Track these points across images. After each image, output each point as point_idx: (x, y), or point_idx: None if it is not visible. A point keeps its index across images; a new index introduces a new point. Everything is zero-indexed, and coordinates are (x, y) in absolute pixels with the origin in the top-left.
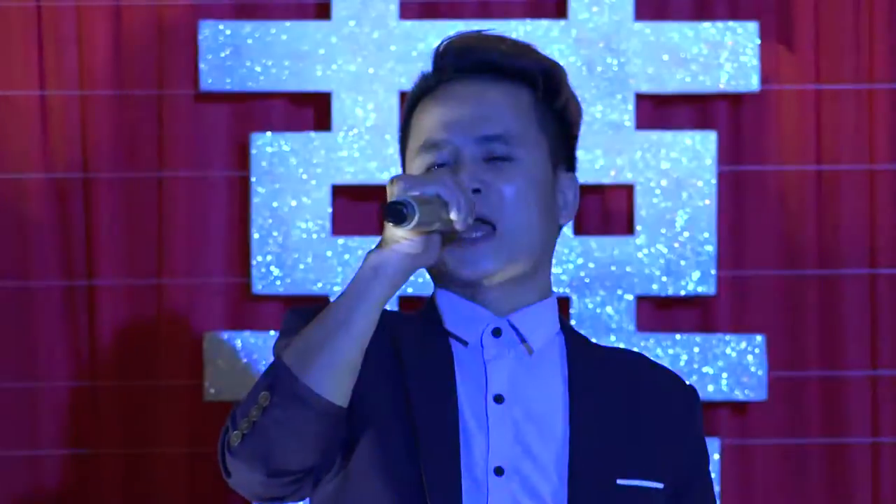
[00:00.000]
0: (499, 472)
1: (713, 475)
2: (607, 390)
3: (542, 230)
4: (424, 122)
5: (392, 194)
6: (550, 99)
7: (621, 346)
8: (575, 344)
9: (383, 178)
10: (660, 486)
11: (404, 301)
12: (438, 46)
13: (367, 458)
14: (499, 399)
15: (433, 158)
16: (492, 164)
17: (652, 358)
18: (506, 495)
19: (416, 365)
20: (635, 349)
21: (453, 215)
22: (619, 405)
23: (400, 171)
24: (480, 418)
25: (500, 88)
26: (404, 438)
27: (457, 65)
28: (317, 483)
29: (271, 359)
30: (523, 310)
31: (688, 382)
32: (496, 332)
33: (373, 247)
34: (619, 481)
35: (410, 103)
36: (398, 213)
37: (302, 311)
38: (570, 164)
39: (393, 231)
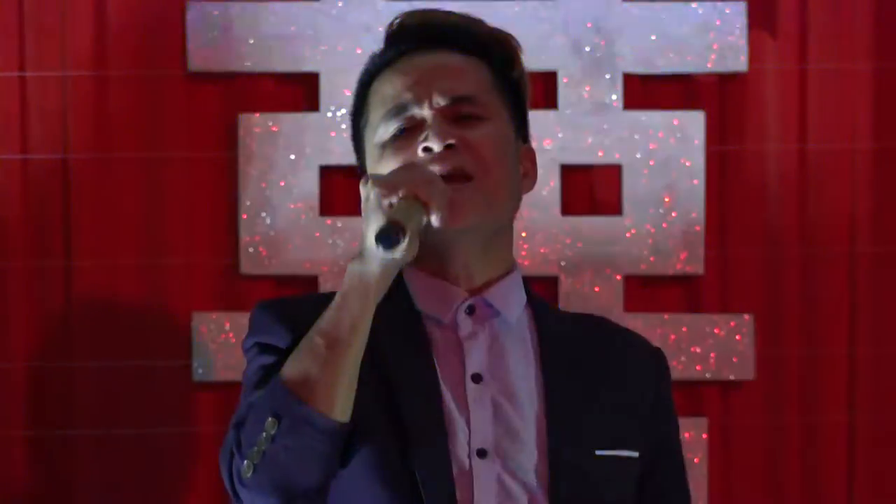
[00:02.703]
0: (481, 454)
1: (701, 455)
2: (579, 360)
3: (511, 191)
4: (387, 91)
5: (367, 199)
6: (506, 69)
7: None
8: (543, 314)
9: None
10: (635, 454)
11: None
12: (391, 23)
13: (356, 452)
14: (476, 378)
15: (402, 123)
16: (462, 122)
17: (617, 323)
18: (490, 477)
19: (394, 351)
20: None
21: (434, 219)
22: (592, 374)
23: (352, 145)
24: (460, 400)
25: (461, 58)
26: (391, 428)
27: (413, 38)
28: (325, 496)
29: (243, 357)
30: (495, 285)
31: (653, 345)
32: (470, 310)
33: (354, 258)
34: (597, 452)
35: (365, 80)
36: (390, 241)
37: (271, 306)
38: (525, 136)
39: (373, 240)
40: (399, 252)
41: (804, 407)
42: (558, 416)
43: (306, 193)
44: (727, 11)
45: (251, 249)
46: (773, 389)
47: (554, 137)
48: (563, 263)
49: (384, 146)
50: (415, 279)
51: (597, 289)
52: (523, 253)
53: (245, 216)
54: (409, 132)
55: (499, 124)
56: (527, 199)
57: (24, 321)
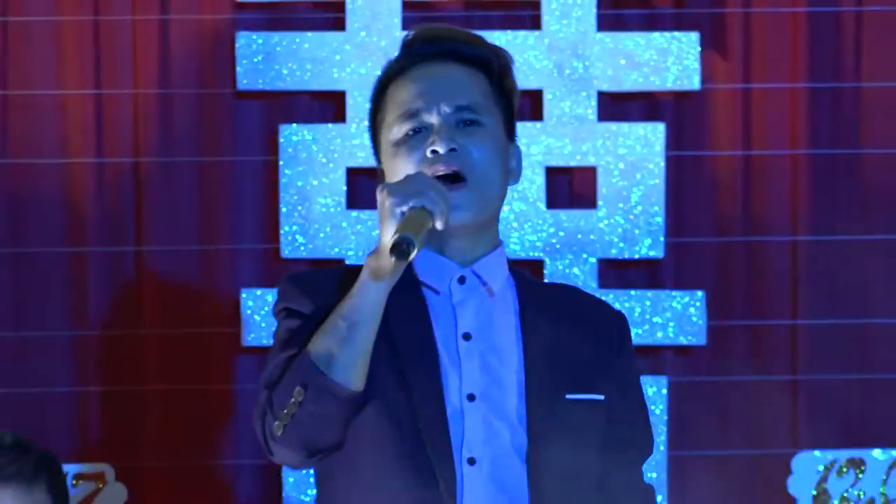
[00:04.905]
0: (471, 398)
1: (661, 406)
2: (552, 320)
3: (501, 187)
4: (401, 96)
5: (382, 205)
6: (501, 80)
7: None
8: (523, 284)
9: None
10: (601, 397)
11: None
12: (406, 36)
13: (368, 399)
14: (467, 337)
15: (413, 125)
16: (463, 128)
17: (586, 291)
18: (478, 417)
19: (397, 314)
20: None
21: (438, 224)
22: (563, 332)
23: (369, 135)
24: (452, 354)
25: (464, 70)
26: (395, 378)
27: (424, 51)
28: (341, 447)
29: (273, 320)
30: (483, 259)
31: (615, 308)
32: (461, 280)
33: (371, 253)
34: (567, 396)
35: (382, 84)
36: (403, 252)
37: (297, 278)
38: (513, 136)
39: (387, 239)
40: (411, 258)
41: (747, 368)
42: (534, 367)
43: (335, 190)
44: (683, 40)
45: (290, 237)
46: (721, 353)
47: (540, 144)
48: (547, 249)
49: (398, 144)
50: (417, 254)
51: (575, 269)
52: (514, 240)
53: (285, 209)
54: (419, 134)
55: (494, 129)
56: (517, 194)
57: (103, 296)
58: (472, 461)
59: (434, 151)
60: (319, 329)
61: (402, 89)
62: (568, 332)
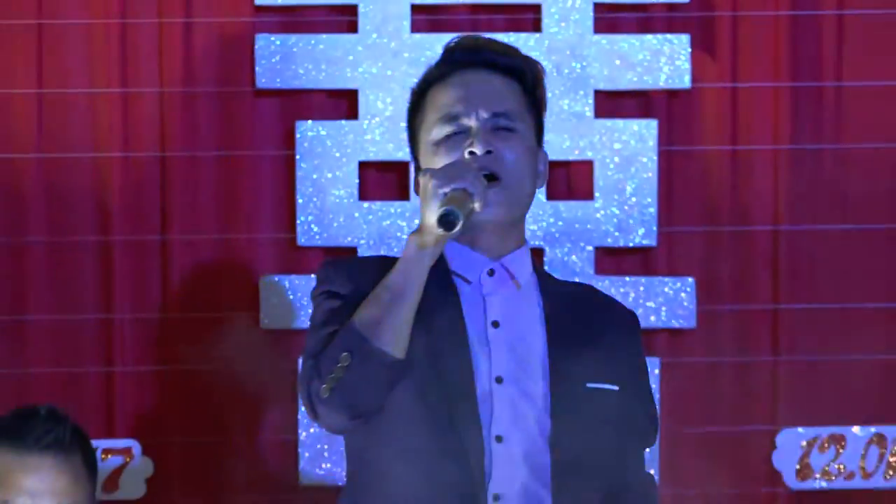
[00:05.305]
0: (499, 380)
1: (654, 386)
2: (571, 315)
3: (530, 189)
4: (442, 100)
5: (426, 187)
6: (534, 89)
7: (576, 280)
8: (545, 280)
9: (399, 156)
10: (616, 388)
11: None
12: (449, 44)
13: (403, 378)
14: (495, 324)
15: (453, 128)
16: (499, 133)
17: (602, 291)
18: (506, 398)
19: (431, 301)
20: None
21: (477, 206)
22: (581, 326)
23: (406, 135)
24: (482, 340)
25: (500, 78)
26: (429, 361)
27: (464, 59)
28: (381, 412)
29: (310, 301)
30: (511, 254)
31: (627, 308)
32: (491, 273)
33: (414, 232)
34: (587, 384)
35: (423, 87)
36: (450, 223)
37: (334, 263)
38: (541, 141)
39: (430, 218)
40: (455, 231)
41: (734, 349)
42: (558, 356)
43: (348, 183)
44: (675, 42)
45: (306, 226)
46: (710, 336)
47: None
48: (547, 238)
49: (437, 144)
50: (450, 246)
51: (573, 257)
52: None
53: (301, 200)
54: (458, 136)
55: (526, 135)
56: None
57: (129, 282)
58: (499, 438)
59: (472, 152)
60: (364, 301)
61: (443, 93)
62: (585, 326)
